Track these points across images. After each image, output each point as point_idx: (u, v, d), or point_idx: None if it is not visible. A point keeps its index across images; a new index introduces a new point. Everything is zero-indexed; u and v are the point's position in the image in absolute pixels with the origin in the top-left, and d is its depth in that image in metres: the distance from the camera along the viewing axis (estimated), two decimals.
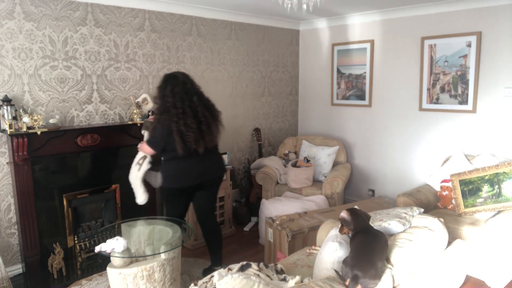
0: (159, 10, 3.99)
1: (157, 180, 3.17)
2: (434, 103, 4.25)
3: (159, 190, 3.40)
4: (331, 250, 2.01)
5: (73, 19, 3.45)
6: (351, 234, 2.05)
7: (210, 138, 2.94)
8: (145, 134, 3.18)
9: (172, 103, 2.82)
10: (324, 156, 4.56)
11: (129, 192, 3.74)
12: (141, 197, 3.15)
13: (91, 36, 3.57)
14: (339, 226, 2.17)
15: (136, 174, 3.12)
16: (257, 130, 5.02)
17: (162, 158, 3.02)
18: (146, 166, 3.11)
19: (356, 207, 2.15)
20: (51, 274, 3.26)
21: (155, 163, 3.16)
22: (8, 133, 2.94)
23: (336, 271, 1.86)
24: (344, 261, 1.82)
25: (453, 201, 3.56)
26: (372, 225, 2.26)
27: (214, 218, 3.35)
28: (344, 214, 2.06)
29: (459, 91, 4.06)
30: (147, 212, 3.79)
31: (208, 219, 3.24)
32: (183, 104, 2.82)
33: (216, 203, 3.46)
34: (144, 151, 3.03)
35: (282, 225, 3.26)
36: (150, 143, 2.97)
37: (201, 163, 2.98)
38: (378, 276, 1.77)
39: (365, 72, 4.81)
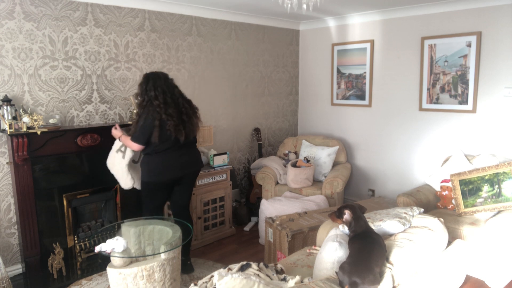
0: (159, 10, 3.99)
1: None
2: (434, 103, 4.25)
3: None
4: (331, 250, 2.01)
5: (73, 19, 3.45)
6: (350, 235, 2.05)
7: (190, 129, 3.07)
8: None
9: (154, 96, 2.95)
10: (324, 156, 4.56)
11: (129, 192, 3.75)
12: (128, 183, 3.28)
13: (91, 36, 3.57)
14: (333, 215, 2.17)
15: (121, 161, 3.23)
16: (257, 130, 5.02)
17: (143, 152, 3.11)
18: (130, 153, 3.22)
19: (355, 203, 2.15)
20: (51, 274, 3.26)
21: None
22: (8, 133, 2.94)
23: (337, 272, 1.86)
24: (342, 268, 1.81)
25: (453, 201, 3.56)
26: (372, 225, 2.26)
27: (188, 212, 3.41)
28: (347, 214, 2.06)
29: (459, 91, 4.06)
30: None
31: (183, 213, 3.32)
32: (165, 96, 2.96)
33: (191, 198, 3.55)
34: (131, 148, 3.09)
35: (282, 225, 3.26)
36: (135, 138, 3.01)
37: (183, 156, 3.10)
38: (377, 281, 1.77)
39: (365, 72, 4.81)
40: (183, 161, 3.12)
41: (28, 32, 3.22)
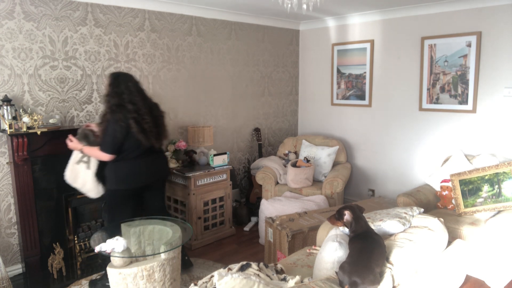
0: (159, 10, 3.99)
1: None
2: (434, 103, 4.25)
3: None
4: (331, 250, 2.01)
5: (73, 19, 3.45)
6: (350, 235, 2.05)
7: (163, 134, 3.00)
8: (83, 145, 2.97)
9: (128, 100, 2.76)
10: (324, 156, 4.56)
11: None
12: (100, 191, 3.08)
13: (91, 36, 3.57)
14: (333, 218, 2.17)
15: (86, 172, 3.02)
16: (257, 130, 5.02)
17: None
18: (95, 161, 3.00)
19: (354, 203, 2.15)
20: (51, 274, 3.26)
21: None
22: (8, 133, 2.94)
23: (337, 272, 1.86)
24: (342, 267, 1.81)
25: (453, 201, 3.56)
26: (372, 225, 2.26)
27: (168, 214, 3.28)
28: (347, 215, 2.06)
29: (459, 91, 4.06)
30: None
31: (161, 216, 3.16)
32: (137, 98, 2.82)
33: (164, 203, 3.39)
34: (101, 158, 2.85)
35: (282, 225, 3.26)
36: (106, 147, 2.78)
37: (152, 163, 3.00)
38: (377, 281, 1.77)
39: (365, 72, 4.81)
40: (152, 167, 2.99)
41: (28, 32, 3.22)
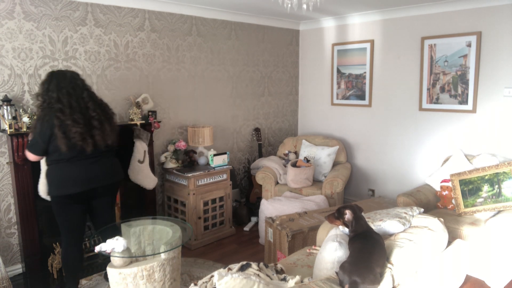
0: (159, 10, 3.99)
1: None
2: (434, 103, 4.25)
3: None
4: (331, 250, 2.01)
5: (73, 19, 3.45)
6: (350, 235, 2.05)
7: (101, 137, 2.67)
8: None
9: (56, 98, 2.57)
10: (324, 156, 4.56)
11: (129, 192, 3.75)
12: (47, 195, 2.88)
13: (91, 36, 3.57)
14: (332, 217, 2.17)
15: (41, 172, 2.90)
16: (257, 130, 5.02)
17: (44, 162, 2.77)
18: (43, 161, 2.82)
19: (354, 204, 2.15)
20: (51, 274, 3.26)
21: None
22: (8, 133, 2.94)
23: (337, 272, 1.86)
24: (342, 267, 1.81)
25: (453, 201, 3.56)
26: (372, 225, 2.26)
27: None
28: (348, 214, 2.06)
29: (459, 91, 4.06)
30: (147, 212, 3.80)
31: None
32: (70, 99, 2.58)
33: (113, 214, 3.07)
34: (28, 158, 2.70)
35: (282, 225, 3.26)
36: (29, 146, 2.63)
37: (89, 167, 2.69)
38: (377, 281, 1.77)
39: (365, 72, 4.81)
40: (91, 173, 2.69)
41: (28, 32, 3.22)
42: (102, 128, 2.68)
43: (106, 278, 3.08)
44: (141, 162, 3.58)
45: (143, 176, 3.61)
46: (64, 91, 2.59)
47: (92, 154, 2.68)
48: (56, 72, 2.70)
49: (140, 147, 3.59)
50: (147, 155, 3.64)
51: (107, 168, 2.79)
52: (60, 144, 2.54)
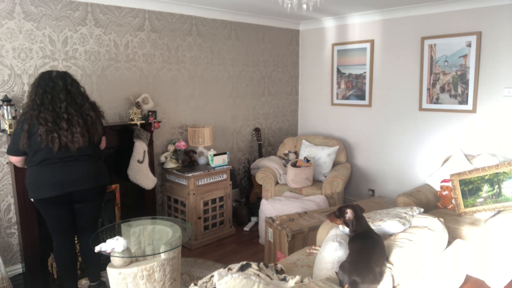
0: (159, 10, 3.99)
1: None
2: (434, 103, 4.25)
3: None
4: (331, 250, 2.01)
5: (73, 19, 3.44)
6: (351, 235, 2.05)
7: (71, 139, 2.54)
8: None
9: (33, 99, 2.54)
10: (324, 156, 4.56)
11: (129, 192, 3.75)
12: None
13: (91, 36, 3.57)
14: (332, 216, 2.17)
15: None
16: (257, 130, 5.02)
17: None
18: None
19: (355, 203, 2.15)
20: (51, 274, 3.26)
21: None
22: (8, 133, 2.94)
23: (337, 272, 1.86)
24: (342, 267, 1.81)
25: (453, 201, 3.56)
26: (372, 225, 2.26)
27: (94, 231, 2.91)
28: (349, 213, 2.06)
29: (459, 91, 4.06)
30: (147, 212, 3.80)
31: (84, 242, 2.87)
32: (44, 99, 2.52)
33: (94, 220, 2.92)
34: (13, 162, 2.69)
35: (282, 225, 3.26)
36: (8, 149, 2.63)
37: (63, 170, 2.59)
38: (377, 281, 1.77)
39: (365, 72, 4.81)
40: (65, 176, 2.59)
41: (28, 32, 3.22)
42: (70, 130, 2.54)
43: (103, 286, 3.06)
44: (140, 162, 3.59)
45: (142, 176, 3.62)
46: (41, 91, 2.54)
47: (66, 157, 2.59)
48: (43, 72, 2.66)
49: (140, 147, 3.60)
50: (146, 155, 3.64)
51: (84, 172, 2.67)
52: (24, 144, 2.50)
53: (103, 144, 2.92)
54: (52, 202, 2.64)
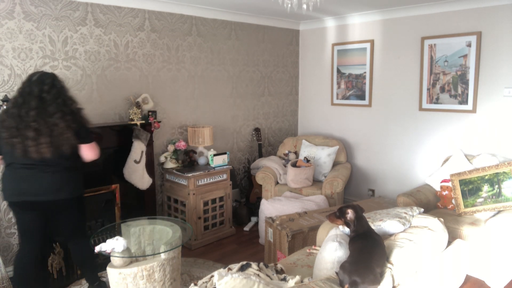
0: (159, 10, 3.99)
1: None
2: (434, 103, 4.25)
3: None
4: (331, 250, 2.01)
5: (73, 19, 3.44)
6: (351, 235, 2.05)
7: (36, 149, 2.42)
8: None
9: (13, 103, 2.50)
10: (324, 156, 4.56)
11: (129, 192, 3.74)
12: None
13: (91, 36, 3.57)
14: (333, 216, 2.17)
15: None
16: (257, 130, 5.02)
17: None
18: None
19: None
20: (51, 274, 3.26)
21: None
22: None
23: (337, 272, 1.86)
24: (342, 267, 1.81)
25: (453, 201, 3.56)
26: (372, 225, 2.26)
27: (80, 245, 2.81)
28: (350, 213, 2.06)
29: (459, 91, 4.06)
30: (147, 212, 3.80)
31: (73, 244, 2.81)
32: (16, 101, 2.47)
33: (78, 229, 2.80)
34: None
35: (282, 225, 3.26)
36: None
37: (24, 177, 2.51)
38: (377, 281, 1.77)
39: (365, 72, 4.81)
40: (22, 184, 2.51)
41: (28, 32, 3.22)
42: (37, 140, 2.42)
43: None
44: (137, 162, 3.58)
45: (137, 176, 3.61)
46: (18, 94, 2.50)
47: (29, 164, 2.49)
48: (30, 73, 2.59)
49: (138, 147, 3.60)
50: (144, 156, 3.64)
51: (43, 184, 2.53)
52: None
53: (88, 153, 2.66)
54: (18, 206, 2.59)
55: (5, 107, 2.71)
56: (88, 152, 2.67)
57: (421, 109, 4.36)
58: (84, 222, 2.95)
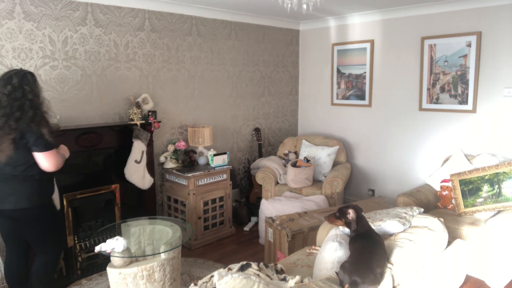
0: (159, 10, 3.99)
1: None
2: (434, 103, 4.25)
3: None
4: (331, 250, 2.01)
5: (73, 19, 3.44)
6: (351, 235, 2.05)
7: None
8: None
9: None
10: (324, 156, 4.56)
11: (129, 192, 3.75)
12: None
13: (91, 36, 3.57)
14: (332, 217, 2.17)
15: None
16: (257, 130, 5.02)
17: None
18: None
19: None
20: None
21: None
22: None
23: (337, 272, 1.86)
24: (342, 267, 1.81)
25: (453, 201, 3.56)
26: (372, 225, 2.26)
27: (42, 255, 2.62)
28: (352, 213, 2.06)
29: (459, 91, 4.06)
30: (147, 212, 3.80)
31: (35, 264, 2.62)
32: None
33: (41, 244, 2.61)
34: None
35: (282, 225, 3.26)
36: None
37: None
38: (377, 281, 1.77)
39: (365, 72, 4.81)
40: None
41: (28, 32, 3.22)
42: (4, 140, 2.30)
43: None
44: (138, 162, 3.59)
45: (138, 176, 3.61)
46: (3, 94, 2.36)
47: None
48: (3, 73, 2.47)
49: (138, 147, 3.60)
50: (144, 156, 3.64)
51: (2, 191, 2.42)
52: None
53: (43, 162, 2.41)
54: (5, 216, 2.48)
55: None
56: (43, 161, 2.40)
57: (421, 109, 4.36)
58: (49, 236, 2.61)
